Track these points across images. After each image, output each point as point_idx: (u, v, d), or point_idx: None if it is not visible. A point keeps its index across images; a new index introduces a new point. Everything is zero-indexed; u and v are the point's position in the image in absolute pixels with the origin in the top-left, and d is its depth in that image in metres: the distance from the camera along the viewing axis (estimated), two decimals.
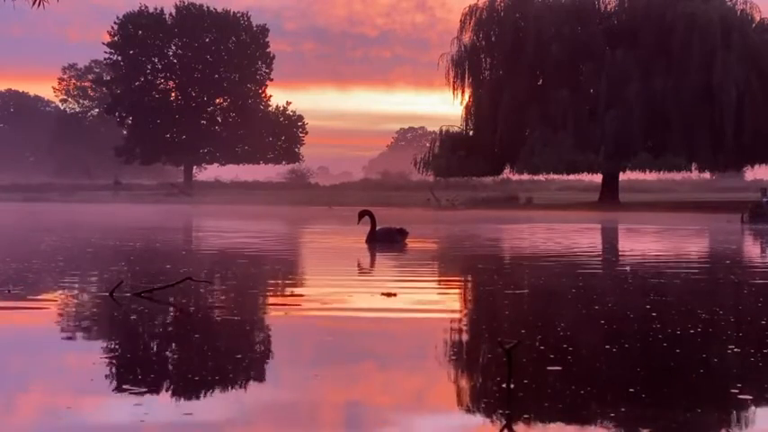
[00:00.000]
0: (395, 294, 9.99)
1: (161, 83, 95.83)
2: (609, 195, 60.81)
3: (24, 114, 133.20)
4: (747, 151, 57.38)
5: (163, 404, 5.24)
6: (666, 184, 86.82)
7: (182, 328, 8.28)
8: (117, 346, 7.23)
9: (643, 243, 22.94)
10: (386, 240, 19.02)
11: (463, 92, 61.93)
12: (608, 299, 10.19)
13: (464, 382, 5.92)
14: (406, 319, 8.62)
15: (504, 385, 5.52)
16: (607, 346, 7.02)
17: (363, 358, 6.75)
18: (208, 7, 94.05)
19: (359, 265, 15.43)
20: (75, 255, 16.50)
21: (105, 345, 7.28)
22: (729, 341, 7.40)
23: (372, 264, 15.85)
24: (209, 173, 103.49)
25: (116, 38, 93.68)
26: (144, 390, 5.51)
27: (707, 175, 70.60)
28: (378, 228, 19.59)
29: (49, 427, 4.81)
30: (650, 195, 70.91)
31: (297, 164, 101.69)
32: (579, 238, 24.97)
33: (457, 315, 9.29)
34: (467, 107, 62.44)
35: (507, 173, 66.16)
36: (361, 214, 20.05)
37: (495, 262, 16.39)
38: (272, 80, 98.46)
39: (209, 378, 5.90)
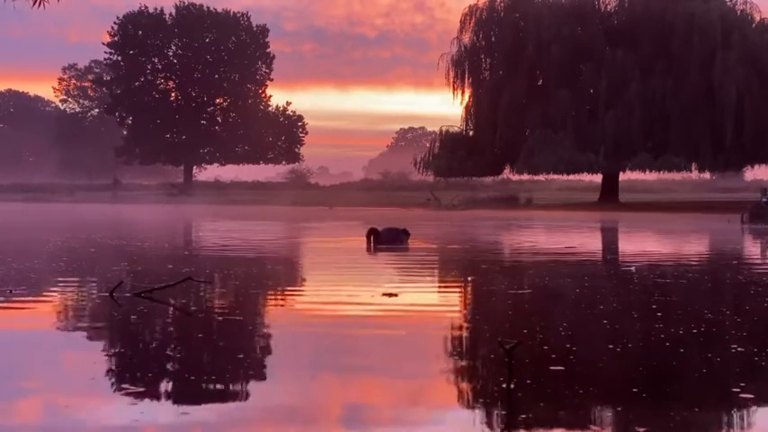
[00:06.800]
0: (396, 294, 9.98)
1: (161, 83, 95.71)
2: (609, 195, 60.77)
3: (24, 114, 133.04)
4: (747, 151, 57.29)
5: (162, 404, 5.24)
6: (666, 184, 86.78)
7: (182, 328, 8.27)
8: (117, 346, 7.21)
9: (644, 243, 22.91)
10: (390, 241, 19.02)
11: (463, 92, 61.92)
12: (611, 299, 10.17)
13: (465, 382, 5.90)
14: (407, 319, 8.60)
15: (504, 385, 5.51)
16: (610, 346, 7.00)
17: (364, 358, 6.73)
18: (208, 7, 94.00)
19: (360, 265, 15.41)
20: (76, 255, 16.48)
21: (105, 344, 7.27)
22: (732, 341, 7.38)
23: (373, 264, 15.83)
24: (209, 173, 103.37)
25: (116, 38, 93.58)
26: (143, 389, 5.49)
27: (707, 175, 70.41)
28: (381, 228, 19.57)
29: (49, 427, 4.80)
30: (650, 195, 70.91)
31: (297, 164, 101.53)
32: (580, 238, 24.95)
33: (458, 315, 9.28)
34: (467, 107, 62.40)
35: (507, 173, 66.04)
36: (369, 234, 19.56)
37: (497, 262, 16.36)
38: (272, 80, 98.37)
39: (209, 378, 5.88)
